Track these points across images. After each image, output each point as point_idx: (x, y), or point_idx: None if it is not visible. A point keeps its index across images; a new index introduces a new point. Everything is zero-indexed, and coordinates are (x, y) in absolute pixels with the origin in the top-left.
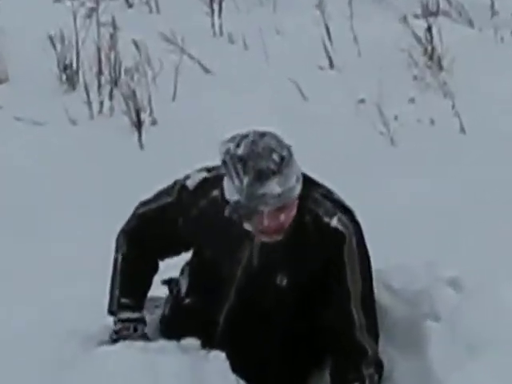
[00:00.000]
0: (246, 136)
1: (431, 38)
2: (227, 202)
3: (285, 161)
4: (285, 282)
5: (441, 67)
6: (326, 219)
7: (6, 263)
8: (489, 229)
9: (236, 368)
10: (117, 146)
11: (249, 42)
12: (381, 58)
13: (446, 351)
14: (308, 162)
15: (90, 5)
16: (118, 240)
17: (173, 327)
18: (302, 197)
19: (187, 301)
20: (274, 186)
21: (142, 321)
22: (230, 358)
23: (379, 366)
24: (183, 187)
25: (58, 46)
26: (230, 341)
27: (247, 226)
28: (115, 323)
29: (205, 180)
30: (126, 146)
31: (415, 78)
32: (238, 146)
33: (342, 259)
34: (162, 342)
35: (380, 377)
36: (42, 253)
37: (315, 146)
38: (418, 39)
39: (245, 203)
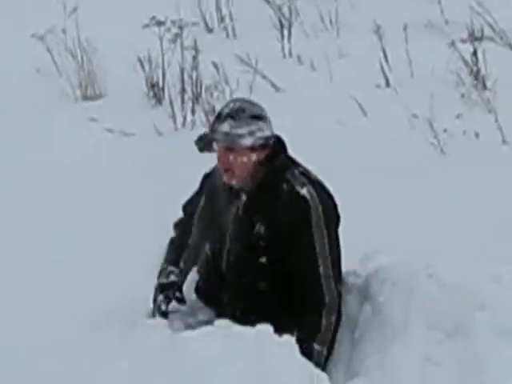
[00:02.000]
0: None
1: (477, 60)
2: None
3: (241, 111)
4: (262, 229)
5: (485, 86)
6: (298, 188)
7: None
8: None
9: (235, 300)
10: (199, 156)
11: (315, 64)
12: (432, 78)
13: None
14: (367, 169)
15: (174, 30)
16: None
17: (201, 281)
18: (282, 170)
19: (205, 260)
20: (224, 126)
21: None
22: (231, 290)
23: (339, 315)
24: (204, 174)
25: (147, 67)
26: (232, 278)
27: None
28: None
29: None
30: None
31: (462, 95)
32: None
33: (310, 222)
34: (238, 328)
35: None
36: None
37: (374, 156)
38: (465, 61)
39: (209, 135)
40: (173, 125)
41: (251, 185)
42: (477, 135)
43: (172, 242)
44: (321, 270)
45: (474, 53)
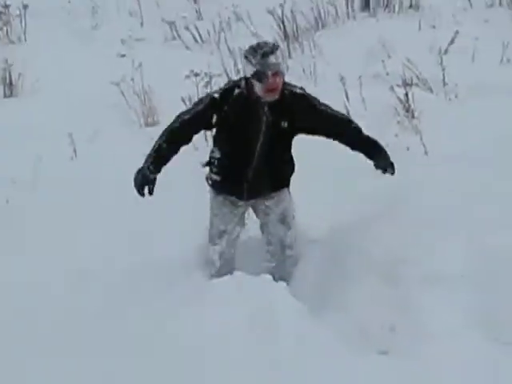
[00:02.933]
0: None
1: (407, 99)
2: (246, 96)
3: (275, 47)
4: (286, 124)
5: (413, 116)
6: (294, 90)
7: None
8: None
9: (260, 172)
10: None
11: None
12: (378, 110)
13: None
14: (332, 173)
15: (206, 80)
16: (162, 133)
17: (223, 177)
18: (284, 83)
19: (225, 160)
20: (272, 59)
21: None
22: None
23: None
24: (212, 98)
25: (187, 104)
26: (260, 160)
27: (259, 89)
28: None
29: (225, 89)
30: None
31: (398, 122)
32: (250, 46)
33: (311, 102)
34: (248, 277)
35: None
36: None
37: (337, 162)
38: (400, 100)
39: (260, 69)
40: (205, 142)
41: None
42: (408, 148)
43: (161, 152)
44: (337, 112)
45: (406, 94)
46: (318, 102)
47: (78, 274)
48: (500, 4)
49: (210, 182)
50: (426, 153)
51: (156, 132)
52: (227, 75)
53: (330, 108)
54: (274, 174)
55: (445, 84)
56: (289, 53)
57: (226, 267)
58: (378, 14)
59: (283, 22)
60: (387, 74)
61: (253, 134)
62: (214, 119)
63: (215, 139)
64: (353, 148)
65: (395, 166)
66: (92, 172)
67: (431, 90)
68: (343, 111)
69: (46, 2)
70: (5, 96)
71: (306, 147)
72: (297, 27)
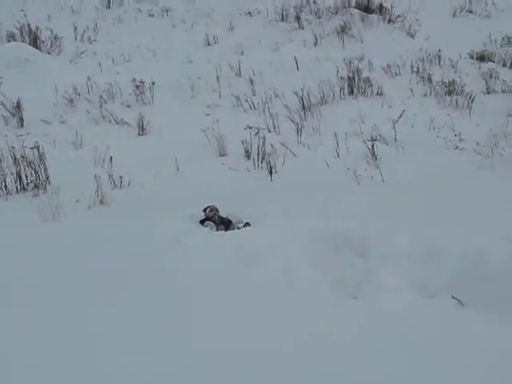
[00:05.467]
0: None
1: (373, 148)
2: None
3: None
4: None
5: (376, 159)
6: None
7: None
8: None
9: None
10: (255, 183)
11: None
12: (356, 154)
13: None
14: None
15: (256, 131)
16: None
17: None
18: None
19: None
20: None
21: None
22: None
23: None
24: None
25: (245, 144)
26: None
27: None
28: None
29: None
30: None
31: (367, 161)
32: None
33: None
34: None
35: None
36: None
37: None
38: (369, 148)
39: None
40: (253, 167)
41: None
42: (372, 177)
43: None
44: None
45: (372, 146)
46: None
47: None
48: (430, 94)
49: None
50: (383, 180)
51: (226, 160)
52: (268, 129)
53: None
54: None
55: (395, 140)
56: (305, 117)
57: None
58: (358, 97)
59: (302, 99)
60: (362, 132)
61: None
62: None
63: None
64: None
65: None
66: (187, 180)
67: (387, 144)
68: (335, 155)
69: (164, 81)
70: (139, 134)
71: None
72: (310, 102)
